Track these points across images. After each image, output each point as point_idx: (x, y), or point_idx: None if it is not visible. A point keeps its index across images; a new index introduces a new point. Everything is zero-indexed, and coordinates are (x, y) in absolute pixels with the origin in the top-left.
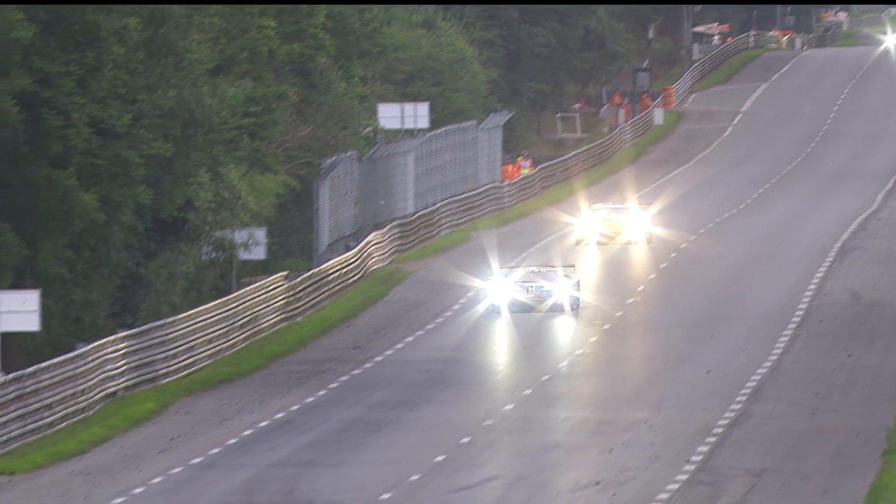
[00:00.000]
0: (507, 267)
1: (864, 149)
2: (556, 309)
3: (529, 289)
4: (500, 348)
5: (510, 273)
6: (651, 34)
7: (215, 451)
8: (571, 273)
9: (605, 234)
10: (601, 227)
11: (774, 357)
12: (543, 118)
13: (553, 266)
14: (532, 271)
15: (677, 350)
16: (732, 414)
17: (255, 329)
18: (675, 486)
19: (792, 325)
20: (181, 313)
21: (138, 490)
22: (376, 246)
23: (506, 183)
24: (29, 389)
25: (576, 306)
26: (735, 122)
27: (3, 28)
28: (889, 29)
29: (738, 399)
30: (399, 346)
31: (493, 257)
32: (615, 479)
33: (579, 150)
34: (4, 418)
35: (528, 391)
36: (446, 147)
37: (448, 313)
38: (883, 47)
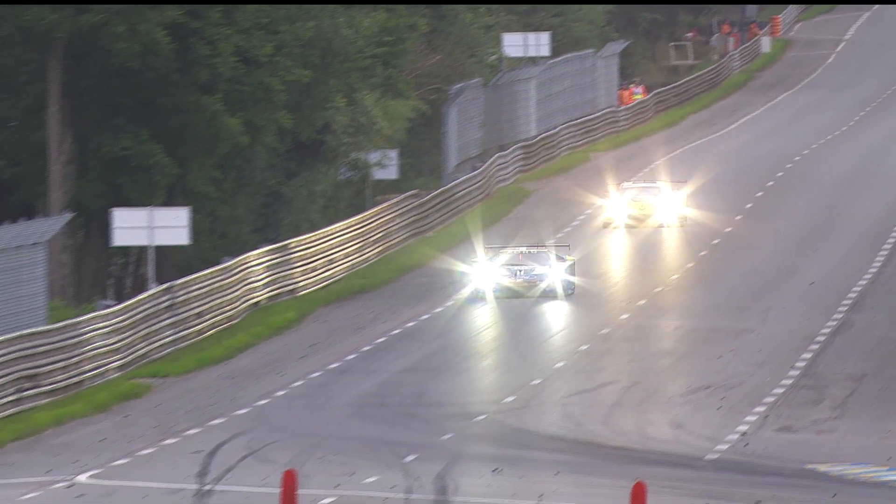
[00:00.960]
0: (493, 248)
1: None
2: (549, 294)
3: (517, 273)
4: (616, 262)
5: (496, 255)
6: None
7: (351, 356)
8: (565, 254)
9: (633, 217)
10: (629, 209)
11: (875, 269)
12: (658, 47)
13: (545, 247)
14: (521, 252)
15: (783, 263)
16: (835, 323)
17: (387, 244)
18: (780, 391)
19: (892, 239)
20: (319, 229)
21: (281, 392)
22: (500, 166)
23: (622, 108)
24: (180, 299)
25: (570, 290)
26: (838, 49)
27: None
28: None
29: (840, 309)
30: None
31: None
32: (724, 384)
33: (691, 76)
34: (158, 325)
35: (642, 301)
36: (566, 74)
37: (568, 229)
38: None
